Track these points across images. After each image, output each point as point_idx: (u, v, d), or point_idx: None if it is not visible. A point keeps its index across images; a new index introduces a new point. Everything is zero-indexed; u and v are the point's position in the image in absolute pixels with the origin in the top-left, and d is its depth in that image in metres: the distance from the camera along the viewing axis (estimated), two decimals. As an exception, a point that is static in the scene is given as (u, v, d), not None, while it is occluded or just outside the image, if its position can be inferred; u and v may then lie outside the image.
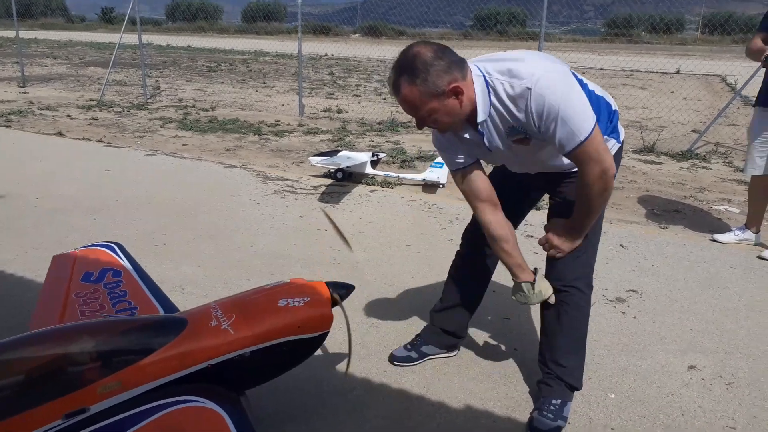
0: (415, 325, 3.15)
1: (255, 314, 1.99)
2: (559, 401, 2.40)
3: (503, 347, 2.97)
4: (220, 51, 24.93)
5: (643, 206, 5.48)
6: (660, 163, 7.15)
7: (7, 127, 8.56)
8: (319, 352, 2.45)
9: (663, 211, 5.31)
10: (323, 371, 2.70)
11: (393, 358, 2.83)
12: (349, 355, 2.21)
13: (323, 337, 2.14)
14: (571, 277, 2.41)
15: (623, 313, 3.35)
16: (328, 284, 2.19)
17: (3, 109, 9.97)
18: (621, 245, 4.38)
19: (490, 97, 2.10)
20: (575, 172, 2.21)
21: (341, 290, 2.23)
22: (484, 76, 2.09)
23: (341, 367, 2.73)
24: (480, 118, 2.14)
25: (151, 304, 2.35)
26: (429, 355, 2.84)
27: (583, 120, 1.99)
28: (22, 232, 4.31)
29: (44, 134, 8.07)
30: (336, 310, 2.13)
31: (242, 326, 1.94)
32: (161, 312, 2.29)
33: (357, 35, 37.63)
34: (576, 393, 2.54)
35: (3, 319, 3.02)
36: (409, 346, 2.86)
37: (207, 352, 1.87)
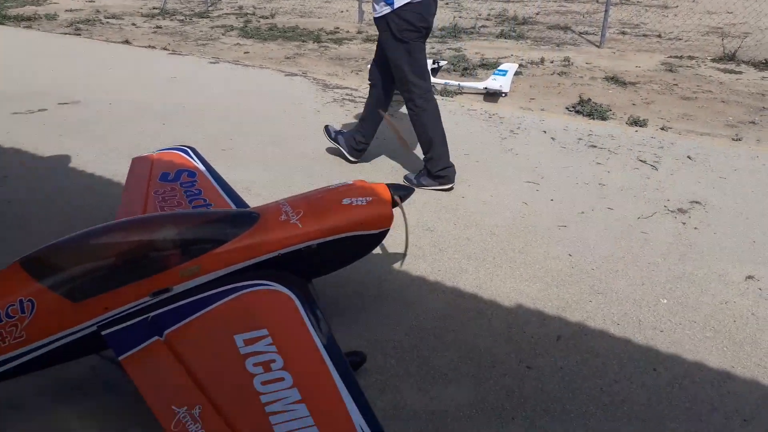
0: (471, 229, 3.24)
1: (321, 211, 2.12)
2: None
3: (557, 252, 3.03)
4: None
5: (717, 117, 5.22)
6: (740, 73, 6.70)
7: (78, 35, 8.82)
8: (378, 250, 2.59)
9: (738, 122, 5.05)
10: (382, 269, 2.85)
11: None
12: (405, 251, 2.35)
13: (383, 234, 2.26)
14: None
15: (684, 223, 3.32)
16: (389, 186, 2.28)
17: (72, 17, 10.23)
18: (688, 156, 4.25)
19: None
20: None
21: (401, 192, 2.33)
22: None
23: (399, 265, 2.88)
24: None
25: (224, 202, 2.52)
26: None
27: None
28: (99, 135, 4.57)
29: (112, 42, 8.29)
30: (396, 212, 2.24)
31: (309, 221, 2.08)
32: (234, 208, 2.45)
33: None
34: (628, 296, 2.62)
35: (88, 212, 3.29)
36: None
37: (277, 243, 2.02)
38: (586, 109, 5.27)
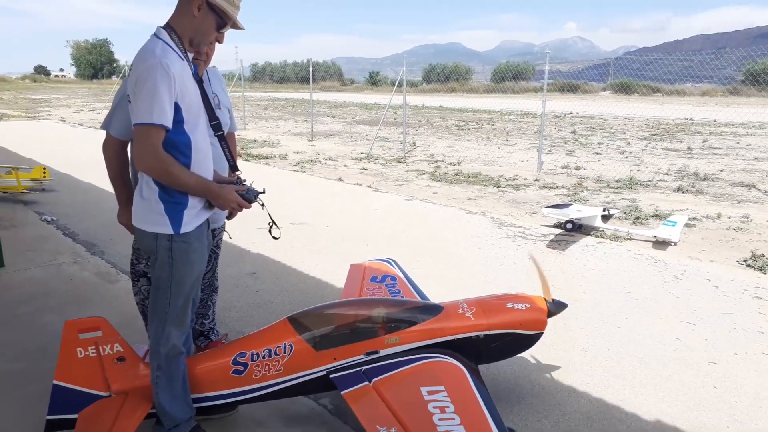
0: (622, 355, 3.64)
1: (489, 309, 2.83)
2: None
3: (703, 383, 3.30)
4: (469, 110, 26.94)
5: None
6: None
7: (303, 172, 10.89)
8: (535, 359, 3.15)
9: None
10: (537, 374, 3.38)
11: None
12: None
13: (538, 336, 2.88)
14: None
15: None
16: (547, 300, 2.94)
17: (299, 158, 12.60)
18: None
19: None
20: None
21: (556, 305, 2.96)
22: None
23: (551, 375, 3.38)
24: None
25: (416, 299, 3.33)
26: None
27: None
28: (319, 248, 5.80)
29: (329, 179, 10.12)
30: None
31: (480, 316, 2.79)
32: (423, 304, 3.25)
33: (607, 92, 36.97)
34: None
35: (312, 301, 4.30)
36: None
37: (454, 330, 2.76)
38: (758, 263, 5.37)
